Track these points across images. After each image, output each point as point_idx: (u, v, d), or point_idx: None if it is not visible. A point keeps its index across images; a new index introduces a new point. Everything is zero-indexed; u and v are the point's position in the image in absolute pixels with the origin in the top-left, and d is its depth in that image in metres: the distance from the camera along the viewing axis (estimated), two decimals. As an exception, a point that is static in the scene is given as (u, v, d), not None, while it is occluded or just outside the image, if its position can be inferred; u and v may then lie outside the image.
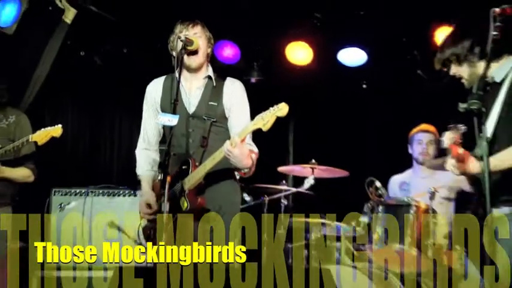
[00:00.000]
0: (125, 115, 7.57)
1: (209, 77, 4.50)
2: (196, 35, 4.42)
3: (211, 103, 4.42)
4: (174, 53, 4.39)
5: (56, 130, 5.04)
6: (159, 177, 4.54)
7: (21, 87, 6.12)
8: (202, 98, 4.46)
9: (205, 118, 4.41)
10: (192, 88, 4.48)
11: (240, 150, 4.06)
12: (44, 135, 5.01)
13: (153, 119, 4.58)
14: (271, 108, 4.00)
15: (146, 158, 4.62)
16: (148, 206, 4.43)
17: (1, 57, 5.61)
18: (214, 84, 4.48)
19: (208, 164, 4.20)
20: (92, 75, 7.43)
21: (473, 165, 3.81)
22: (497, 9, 3.58)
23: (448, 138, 4.18)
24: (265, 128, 3.98)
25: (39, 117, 5.33)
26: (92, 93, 7.61)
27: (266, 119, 3.97)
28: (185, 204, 4.27)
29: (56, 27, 6.28)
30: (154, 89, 4.60)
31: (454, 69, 4.06)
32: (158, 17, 6.53)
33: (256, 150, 4.37)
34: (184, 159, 4.37)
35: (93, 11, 6.60)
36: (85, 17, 6.48)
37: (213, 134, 4.39)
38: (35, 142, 5.08)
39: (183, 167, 4.35)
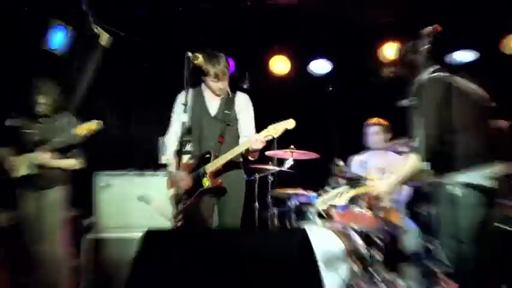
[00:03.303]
0: (146, 116, 7.55)
1: (226, 91, 4.64)
2: (225, 71, 4.53)
3: (226, 111, 4.57)
4: (206, 78, 4.52)
5: (94, 125, 5.04)
6: (186, 160, 4.58)
7: (69, 95, 6.11)
8: (220, 107, 4.62)
9: (222, 121, 4.55)
10: (214, 99, 4.65)
11: (262, 145, 4.33)
12: (85, 129, 5.02)
13: (180, 118, 4.61)
14: (282, 121, 4.23)
15: (173, 145, 4.60)
16: (181, 180, 4.37)
17: (54, 72, 5.57)
18: (230, 96, 4.65)
19: (229, 155, 4.39)
20: (122, 84, 7.45)
21: (383, 187, 4.15)
22: (430, 29, 3.79)
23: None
24: (276, 136, 4.25)
25: (84, 117, 5.35)
26: (123, 98, 7.65)
27: (278, 129, 4.23)
28: (207, 183, 4.41)
29: (94, 48, 6.33)
30: (182, 97, 4.56)
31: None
32: (170, 39, 6.68)
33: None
34: (207, 150, 4.49)
35: (121, 35, 6.68)
36: (115, 40, 6.53)
37: (227, 132, 4.56)
38: (80, 135, 5.06)
39: (206, 156, 4.46)
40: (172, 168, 4.62)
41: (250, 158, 4.61)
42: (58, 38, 6.13)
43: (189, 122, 4.37)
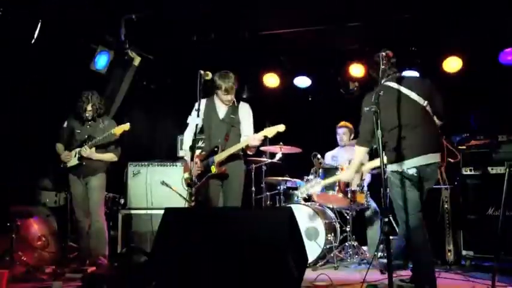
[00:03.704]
0: (167, 120, 7.46)
1: (233, 101, 4.63)
2: (233, 87, 4.54)
3: (232, 116, 4.57)
4: (218, 88, 4.49)
5: (127, 126, 5.02)
6: (199, 152, 4.57)
7: (110, 103, 6.10)
8: (227, 112, 4.60)
9: (228, 123, 4.55)
10: (223, 105, 4.61)
11: (259, 142, 4.37)
12: (120, 129, 5.02)
13: (196, 120, 4.57)
14: (276, 126, 4.30)
15: (189, 142, 4.50)
16: (196, 163, 4.39)
17: (98, 86, 5.54)
18: (236, 104, 4.64)
19: (233, 149, 4.42)
20: (150, 95, 7.42)
21: (345, 176, 4.47)
22: (383, 53, 3.69)
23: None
24: (270, 136, 4.34)
25: (119, 120, 5.34)
26: (150, 106, 7.58)
27: (271, 131, 4.30)
28: (214, 169, 4.41)
29: (129, 68, 6.28)
30: (201, 104, 4.54)
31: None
32: (187, 60, 6.52)
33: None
34: (215, 145, 4.49)
35: (150, 59, 6.62)
36: (145, 62, 6.48)
37: (232, 132, 4.55)
38: (117, 135, 5.08)
39: (215, 149, 4.46)
40: (187, 158, 4.62)
41: (249, 152, 4.62)
42: (102, 61, 6.05)
43: (202, 123, 4.46)
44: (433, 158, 3.69)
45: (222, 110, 4.62)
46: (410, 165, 3.65)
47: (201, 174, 4.47)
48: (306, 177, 5.55)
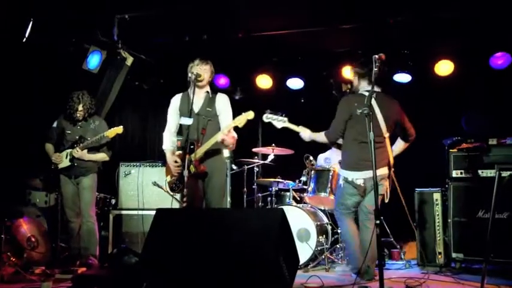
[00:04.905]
0: (158, 120, 7.38)
1: (207, 92, 4.52)
2: (205, 70, 4.46)
3: (208, 109, 4.44)
4: (190, 75, 4.35)
5: (120, 129, 5.02)
6: (178, 152, 4.52)
7: (101, 103, 6.05)
8: (203, 105, 4.46)
9: (204, 117, 4.40)
10: (198, 98, 4.46)
11: (228, 136, 4.22)
12: (113, 132, 5.01)
13: (173, 118, 4.56)
14: (244, 113, 4.18)
15: (169, 139, 4.56)
16: (176, 162, 4.41)
17: (90, 87, 5.48)
18: (210, 96, 4.51)
19: (206, 145, 4.28)
20: (142, 95, 7.41)
21: (304, 134, 4.72)
22: (376, 56, 3.69)
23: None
24: (240, 126, 4.18)
25: (111, 120, 5.32)
26: (142, 106, 7.57)
27: (241, 120, 4.16)
28: (193, 169, 4.24)
29: (121, 68, 6.21)
30: (175, 100, 4.59)
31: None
32: (179, 60, 6.55)
33: (235, 136, 4.37)
34: (192, 141, 4.31)
35: (143, 58, 6.60)
36: (138, 62, 6.45)
37: (208, 127, 4.38)
38: (109, 137, 5.08)
39: (191, 147, 4.28)
40: (169, 155, 4.53)
41: (227, 146, 4.41)
42: (94, 60, 6.01)
43: (179, 119, 4.40)
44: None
45: (197, 104, 4.45)
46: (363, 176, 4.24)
47: (182, 176, 4.24)
48: (301, 180, 5.64)
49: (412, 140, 4.61)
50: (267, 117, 4.75)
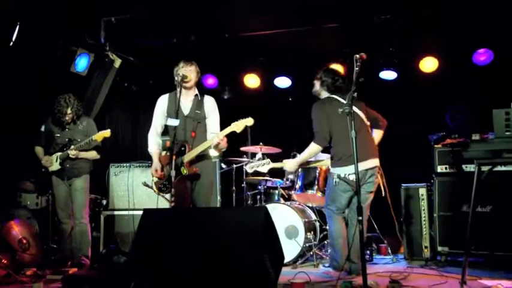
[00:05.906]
0: (149, 121, 7.50)
1: (196, 95, 4.54)
2: (191, 71, 4.46)
3: (197, 111, 4.46)
4: (176, 77, 4.33)
5: (107, 133, 5.03)
6: (164, 153, 4.55)
7: (90, 105, 6.08)
8: (192, 108, 4.48)
9: (194, 119, 4.43)
10: (187, 101, 4.49)
11: (224, 140, 4.25)
12: (101, 135, 5.02)
13: (160, 119, 4.58)
14: (242, 119, 4.20)
15: (155, 141, 4.58)
16: (156, 170, 4.47)
17: (79, 88, 5.56)
18: (199, 98, 4.53)
19: (200, 148, 4.30)
20: (131, 97, 7.42)
21: (288, 166, 4.75)
22: (357, 56, 3.73)
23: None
24: (238, 131, 4.21)
25: (100, 122, 5.33)
26: (132, 107, 7.57)
27: (239, 126, 4.19)
28: (184, 170, 4.30)
29: (109, 70, 6.24)
30: (162, 101, 4.61)
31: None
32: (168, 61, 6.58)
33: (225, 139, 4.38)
34: (182, 143, 4.36)
35: (131, 60, 6.63)
36: (126, 64, 6.48)
37: (198, 129, 4.43)
38: (98, 141, 5.08)
39: (182, 148, 4.34)
40: (154, 160, 4.56)
41: (217, 151, 4.51)
42: (82, 63, 6.02)
43: (166, 120, 4.41)
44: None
45: (186, 106, 4.46)
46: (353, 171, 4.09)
47: (170, 175, 4.22)
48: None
49: (385, 126, 4.70)
50: (251, 166, 4.88)
